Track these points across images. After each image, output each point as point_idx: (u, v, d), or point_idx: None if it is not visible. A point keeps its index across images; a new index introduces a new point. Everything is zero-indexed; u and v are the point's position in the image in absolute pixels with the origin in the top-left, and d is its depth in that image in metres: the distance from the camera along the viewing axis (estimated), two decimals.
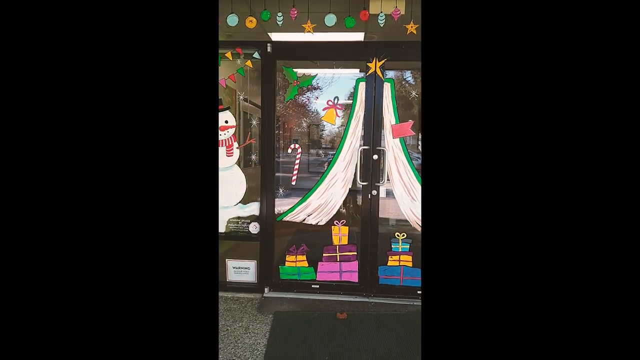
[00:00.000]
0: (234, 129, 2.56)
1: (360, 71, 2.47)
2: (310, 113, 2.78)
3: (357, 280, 2.53)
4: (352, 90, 2.51)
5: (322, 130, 2.84)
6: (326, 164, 2.60)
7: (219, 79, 2.51)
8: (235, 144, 2.57)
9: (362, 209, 2.49)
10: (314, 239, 2.58)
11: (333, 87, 2.69)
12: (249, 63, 2.49)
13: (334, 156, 2.50)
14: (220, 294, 2.63)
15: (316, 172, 2.64)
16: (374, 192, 2.45)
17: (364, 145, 2.44)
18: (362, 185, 2.46)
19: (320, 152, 2.77)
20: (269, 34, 2.87)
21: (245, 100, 2.59)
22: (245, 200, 2.62)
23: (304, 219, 2.56)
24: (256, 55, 2.49)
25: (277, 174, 2.58)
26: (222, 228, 2.63)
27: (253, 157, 2.63)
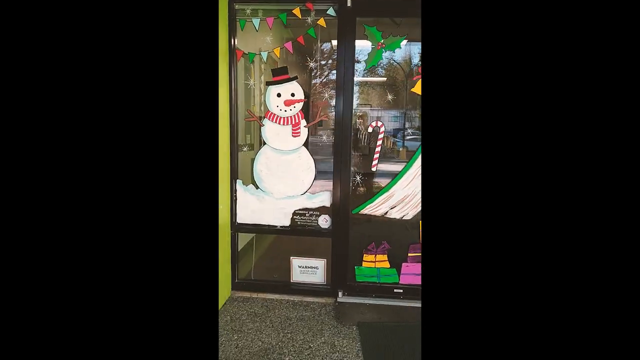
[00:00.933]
0: (301, 103, 2.13)
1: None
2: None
3: None
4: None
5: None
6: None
7: (286, 42, 2.06)
8: (303, 122, 2.14)
9: None
10: (397, 236, 2.17)
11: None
12: (321, 22, 2.02)
13: None
14: (287, 297, 2.27)
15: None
16: None
17: None
18: None
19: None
20: None
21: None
22: (314, 190, 2.21)
23: (386, 212, 2.15)
24: (331, 11, 2.02)
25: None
26: (286, 221, 2.24)
27: (324, 137, 2.20)
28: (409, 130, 2.23)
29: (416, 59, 2.23)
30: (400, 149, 2.28)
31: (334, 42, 2.07)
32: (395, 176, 2.11)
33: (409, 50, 2.15)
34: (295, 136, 2.16)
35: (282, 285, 2.30)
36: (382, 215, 2.15)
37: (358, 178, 2.16)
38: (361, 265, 2.20)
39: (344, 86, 2.05)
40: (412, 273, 2.16)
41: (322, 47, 2.14)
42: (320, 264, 2.27)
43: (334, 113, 2.14)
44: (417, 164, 2.08)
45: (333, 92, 2.14)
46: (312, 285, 2.29)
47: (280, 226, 2.25)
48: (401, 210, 2.13)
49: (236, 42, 2.15)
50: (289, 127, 2.16)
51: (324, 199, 2.20)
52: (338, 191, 2.14)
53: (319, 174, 2.19)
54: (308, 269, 2.29)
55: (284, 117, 2.15)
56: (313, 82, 2.22)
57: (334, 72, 2.11)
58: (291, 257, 2.29)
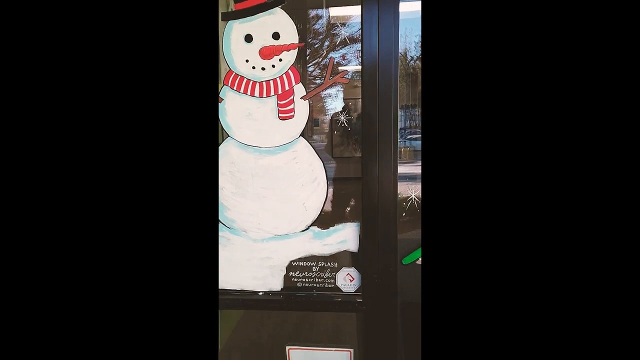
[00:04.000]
0: (294, 52, 1.07)
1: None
2: None
3: None
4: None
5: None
6: None
7: None
8: (298, 89, 1.08)
9: None
10: None
11: None
12: None
13: None
14: None
15: None
16: None
17: None
18: None
19: None
20: None
21: None
22: (325, 221, 1.15)
23: None
24: None
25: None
26: (275, 282, 1.18)
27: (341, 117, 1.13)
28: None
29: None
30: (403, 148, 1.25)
31: None
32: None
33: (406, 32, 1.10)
34: (285, 117, 1.10)
35: None
36: None
37: (413, 195, 1.10)
38: None
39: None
40: None
41: None
42: (342, 358, 1.21)
43: (359, 67, 1.08)
44: None
45: (353, 31, 1.08)
46: None
47: (264, 292, 1.19)
48: None
49: None
50: (273, 101, 1.09)
51: (347, 237, 1.14)
52: (374, 220, 1.08)
53: (336, 189, 1.14)
54: None
55: (261, 82, 1.09)
56: (314, 13, 1.16)
57: None
58: (287, 347, 1.23)
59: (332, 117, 1.15)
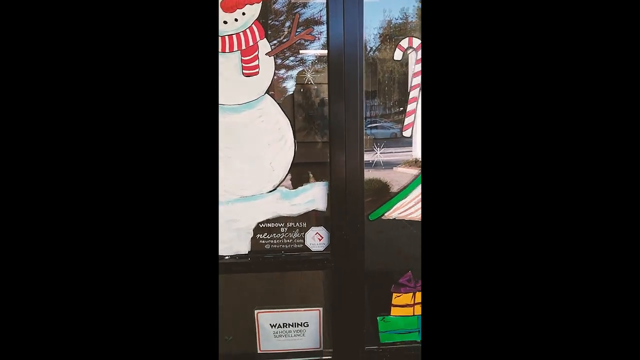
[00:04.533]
0: (258, 5, 1.04)
1: None
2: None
3: None
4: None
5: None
6: None
7: None
8: (263, 45, 1.06)
9: None
10: None
11: None
12: None
13: None
14: None
15: None
16: None
17: None
18: None
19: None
20: None
21: None
22: (294, 182, 1.14)
23: None
24: None
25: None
26: (242, 245, 1.16)
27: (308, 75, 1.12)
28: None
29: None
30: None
31: None
32: None
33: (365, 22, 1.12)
34: (249, 74, 1.06)
35: (243, 359, 1.23)
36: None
37: (378, 152, 1.13)
38: (389, 313, 1.20)
39: None
40: None
41: None
42: (311, 317, 1.23)
43: (324, 29, 1.08)
44: None
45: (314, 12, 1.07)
46: (298, 355, 1.24)
47: (231, 256, 1.16)
48: None
49: None
50: (236, 57, 1.05)
51: (315, 196, 1.15)
52: (342, 179, 1.10)
53: (302, 149, 1.13)
54: (289, 329, 1.23)
55: (223, 37, 1.04)
56: None
57: None
58: (256, 311, 1.21)
59: (293, 99, 1.13)
